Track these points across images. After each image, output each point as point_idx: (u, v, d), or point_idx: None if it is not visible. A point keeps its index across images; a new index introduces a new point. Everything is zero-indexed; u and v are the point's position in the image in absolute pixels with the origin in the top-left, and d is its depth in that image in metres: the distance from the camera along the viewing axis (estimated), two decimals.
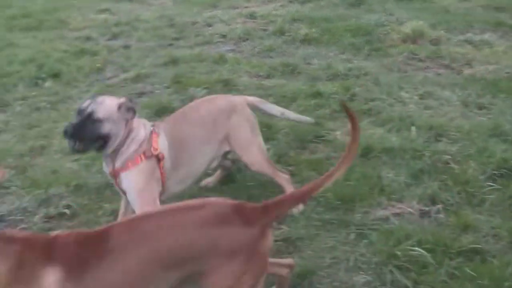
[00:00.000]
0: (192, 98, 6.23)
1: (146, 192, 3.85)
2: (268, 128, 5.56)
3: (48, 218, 4.62)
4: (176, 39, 8.97)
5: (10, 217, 4.69)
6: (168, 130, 4.05)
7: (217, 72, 7.36)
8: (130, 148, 3.85)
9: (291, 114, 4.91)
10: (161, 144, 3.93)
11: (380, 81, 6.84)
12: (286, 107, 5.97)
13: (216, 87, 6.78)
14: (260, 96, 6.25)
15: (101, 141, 3.83)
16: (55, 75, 7.65)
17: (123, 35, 9.43)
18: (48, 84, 7.41)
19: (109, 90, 6.97)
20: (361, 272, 3.82)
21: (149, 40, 8.96)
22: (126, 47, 8.72)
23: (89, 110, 3.80)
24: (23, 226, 4.56)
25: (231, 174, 4.97)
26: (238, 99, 4.50)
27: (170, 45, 8.73)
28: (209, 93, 6.50)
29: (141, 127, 3.94)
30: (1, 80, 7.71)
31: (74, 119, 3.89)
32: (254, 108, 4.57)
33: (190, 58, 7.91)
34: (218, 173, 4.88)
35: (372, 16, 9.42)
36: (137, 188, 3.84)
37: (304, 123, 5.18)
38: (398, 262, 3.81)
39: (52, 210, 4.67)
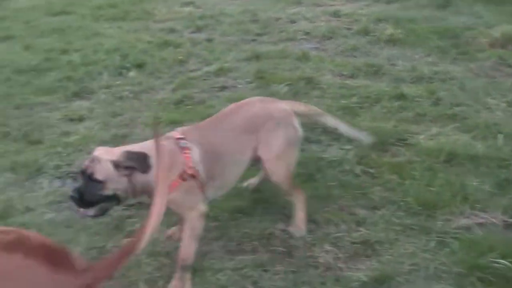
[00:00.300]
0: (274, 94, 6.22)
1: (187, 202, 3.80)
2: None
3: (128, 206, 4.68)
4: (259, 34, 8.94)
5: None
6: (201, 141, 3.86)
7: (300, 69, 7.31)
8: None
9: (347, 130, 4.60)
10: (194, 157, 3.77)
11: (466, 86, 6.64)
12: (369, 108, 5.92)
13: (299, 84, 6.73)
14: (343, 96, 6.25)
15: (113, 200, 3.68)
16: (139, 66, 7.78)
17: (207, 29, 9.48)
18: (132, 74, 7.54)
19: (191, 82, 7.04)
20: (441, 282, 3.72)
21: (232, 35, 8.97)
22: (210, 40, 8.76)
23: (89, 171, 3.59)
24: None
25: (310, 173, 4.92)
26: (282, 106, 4.22)
27: (253, 40, 8.72)
28: (291, 90, 6.52)
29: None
30: (87, 68, 7.88)
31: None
32: (307, 118, 4.41)
33: (273, 54, 7.88)
34: (261, 173, 4.67)
35: (460, 18, 9.15)
36: (179, 204, 3.77)
37: (361, 141, 4.82)
38: (480, 274, 3.69)
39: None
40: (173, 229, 4.28)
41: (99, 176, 3.55)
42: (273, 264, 3.98)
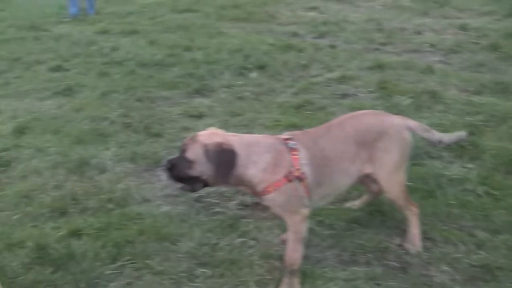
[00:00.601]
0: (396, 106, 6.05)
1: (290, 204, 3.69)
2: (474, 147, 5.25)
3: (244, 206, 4.67)
4: (383, 44, 8.78)
5: (207, 199, 4.79)
6: (310, 145, 3.77)
7: (424, 82, 7.10)
8: (256, 174, 3.62)
9: (449, 138, 4.31)
10: (302, 160, 3.69)
11: None
12: (495, 127, 5.68)
13: (422, 97, 6.52)
14: (468, 113, 5.99)
15: (195, 182, 3.66)
16: (261, 67, 7.80)
17: (329, 35, 9.40)
18: (253, 75, 7.56)
19: (312, 87, 6.97)
20: None
21: (355, 42, 8.85)
22: (332, 46, 8.67)
23: (183, 147, 3.63)
24: (217, 209, 4.65)
25: (430, 190, 4.73)
26: (396, 121, 4.04)
27: (377, 49, 8.57)
28: (414, 103, 6.31)
29: (262, 147, 3.68)
30: (209, 67, 7.98)
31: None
32: (415, 134, 4.15)
33: (397, 65, 7.70)
34: (365, 197, 4.56)
35: None
36: (281, 205, 3.69)
37: (460, 140, 4.52)
38: None
39: (248, 199, 4.70)
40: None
41: (189, 155, 3.57)
42: (386, 279, 3.83)
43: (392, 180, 3.99)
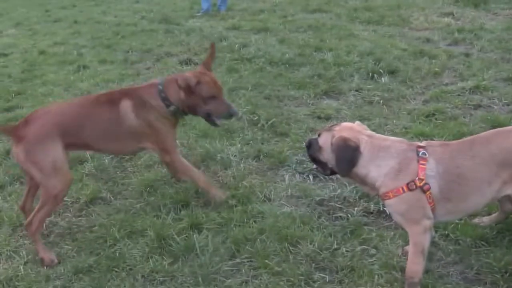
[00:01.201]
0: None
1: (411, 214, 3.57)
2: None
3: (367, 213, 4.59)
4: None
5: (330, 203, 4.75)
6: (445, 158, 3.60)
7: None
8: (377, 177, 3.60)
9: None
10: (429, 171, 3.54)
11: None
12: None
13: None
14: None
15: (325, 167, 3.86)
16: (392, 72, 7.64)
17: (464, 42, 9.07)
18: (384, 79, 7.40)
19: (444, 96, 6.73)
20: None
21: (492, 51, 8.47)
22: (467, 55, 8.35)
23: (319, 133, 3.87)
24: (340, 214, 4.58)
25: None
26: None
27: None
28: None
29: (391, 152, 3.61)
30: (339, 68, 7.91)
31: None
32: None
33: None
34: (496, 214, 4.30)
35: None
36: (401, 213, 3.60)
37: None
38: None
39: (372, 206, 4.61)
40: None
41: (320, 140, 3.81)
42: None
43: None
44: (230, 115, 4.76)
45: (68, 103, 5.22)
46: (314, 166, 4.06)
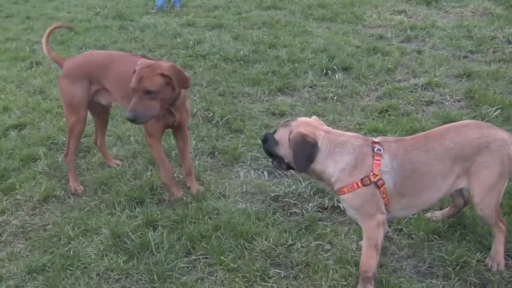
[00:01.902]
0: (483, 117, 5.86)
1: (365, 209, 3.61)
2: None
3: (322, 208, 4.62)
4: (472, 52, 8.48)
5: (285, 199, 4.77)
6: (399, 154, 3.64)
7: None
8: (333, 173, 3.62)
9: None
10: (383, 167, 3.58)
11: None
12: None
13: (511, 110, 6.25)
14: None
15: (281, 161, 3.81)
16: (345, 69, 7.71)
17: (417, 39, 9.21)
18: (338, 76, 7.46)
19: (397, 92, 6.82)
20: None
21: (443, 49, 8.61)
22: (419, 52, 8.47)
23: (276, 128, 3.85)
24: (294, 210, 4.61)
25: None
26: (501, 136, 3.75)
27: (465, 57, 8.28)
28: (502, 115, 6.07)
29: (347, 148, 3.63)
30: (293, 65, 7.93)
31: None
32: None
33: (486, 74, 7.41)
34: (448, 209, 4.40)
35: None
36: (355, 208, 3.63)
37: None
38: None
39: (326, 201, 4.64)
40: None
41: (276, 135, 3.76)
42: None
43: (487, 198, 3.78)
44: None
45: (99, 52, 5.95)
46: (270, 160, 4.00)
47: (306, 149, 3.59)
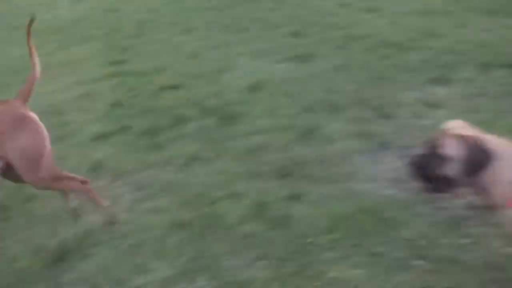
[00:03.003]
0: None
1: None
2: None
3: (471, 207, 4.40)
4: None
5: None
6: None
7: None
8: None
9: None
10: None
11: None
12: None
13: None
14: None
15: (446, 183, 3.21)
16: (510, 66, 7.22)
17: None
18: (499, 73, 7.06)
19: None
20: None
21: None
22: None
23: (434, 143, 3.21)
24: (443, 205, 4.44)
25: None
26: None
27: None
28: None
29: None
30: (451, 57, 7.63)
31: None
32: None
33: None
34: None
35: None
36: None
37: None
38: None
39: (477, 201, 4.44)
40: None
41: (446, 151, 3.14)
42: None
43: None
44: None
45: None
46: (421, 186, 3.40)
47: (481, 158, 3.10)
